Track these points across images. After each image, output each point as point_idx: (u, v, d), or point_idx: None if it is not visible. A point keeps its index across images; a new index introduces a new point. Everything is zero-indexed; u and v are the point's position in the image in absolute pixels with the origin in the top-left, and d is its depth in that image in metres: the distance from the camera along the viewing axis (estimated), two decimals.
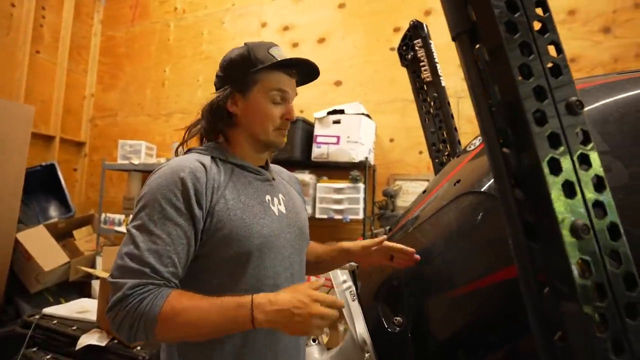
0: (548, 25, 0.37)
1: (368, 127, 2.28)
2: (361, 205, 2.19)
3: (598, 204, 0.34)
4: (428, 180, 2.42)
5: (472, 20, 0.37)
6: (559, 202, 0.33)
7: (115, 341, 1.41)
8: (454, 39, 0.39)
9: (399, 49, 1.34)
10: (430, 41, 1.26)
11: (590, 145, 0.35)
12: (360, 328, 0.86)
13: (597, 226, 0.33)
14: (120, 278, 0.65)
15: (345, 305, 0.91)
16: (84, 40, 3.55)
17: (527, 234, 0.35)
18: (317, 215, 2.24)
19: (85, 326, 1.53)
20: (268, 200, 0.80)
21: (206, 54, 3.13)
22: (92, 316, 1.58)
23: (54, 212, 3.07)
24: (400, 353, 0.77)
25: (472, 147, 0.89)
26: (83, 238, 2.80)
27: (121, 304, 0.63)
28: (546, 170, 0.33)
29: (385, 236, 0.89)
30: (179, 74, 3.23)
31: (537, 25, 0.37)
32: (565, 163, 0.34)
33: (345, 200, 2.19)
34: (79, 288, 2.64)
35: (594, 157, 0.35)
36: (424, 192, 0.97)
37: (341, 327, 1.95)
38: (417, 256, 0.82)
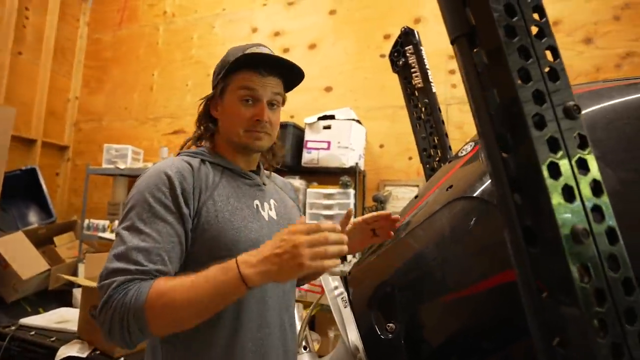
0: (545, 30, 0.37)
1: (358, 132, 2.28)
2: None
3: (596, 209, 0.34)
4: (418, 186, 2.43)
5: (471, 24, 0.37)
6: (559, 207, 0.32)
7: (97, 352, 1.36)
8: (452, 42, 0.39)
9: (391, 55, 1.35)
10: (421, 47, 1.27)
11: (588, 150, 0.35)
12: (353, 335, 0.84)
13: (595, 231, 0.33)
14: (106, 280, 0.62)
15: (337, 312, 0.90)
16: (69, 42, 3.48)
17: (526, 239, 0.34)
18: (307, 221, 2.22)
19: (65, 337, 1.47)
20: (257, 205, 0.79)
21: (196, 58, 3.10)
22: (73, 326, 1.52)
23: (33, 217, 2.97)
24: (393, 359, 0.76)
25: (464, 153, 0.90)
26: (64, 245, 2.71)
27: (107, 304, 0.60)
28: (546, 174, 0.33)
29: (359, 218, 0.85)
30: (167, 78, 3.19)
31: (534, 30, 0.37)
32: (564, 167, 0.34)
33: (336, 205, 2.18)
34: (59, 297, 2.54)
35: (592, 161, 0.35)
36: (416, 197, 0.97)
37: (331, 334, 1.93)
38: (396, 216, 0.80)
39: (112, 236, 2.54)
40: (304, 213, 2.26)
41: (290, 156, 2.27)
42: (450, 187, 0.81)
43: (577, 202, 0.33)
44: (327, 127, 2.23)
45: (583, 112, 0.67)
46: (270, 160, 0.91)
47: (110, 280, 0.62)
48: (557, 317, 0.33)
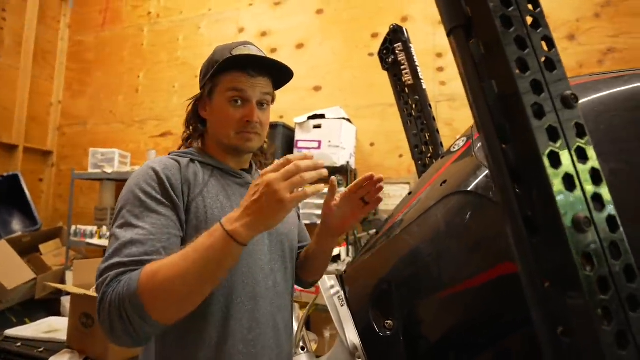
0: (540, 20, 0.37)
1: (349, 131, 2.29)
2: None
3: (596, 197, 0.34)
4: (409, 184, 2.45)
5: (467, 15, 0.37)
6: (560, 196, 0.32)
7: None
8: (449, 34, 0.39)
9: (380, 52, 1.35)
10: (411, 45, 1.27)
11: (586, 139, 0.35)
12: (350, 333, 0.84)
13: (597, 219, 0.33)
14: (99, 279, 0.61)
15: (334, 311, 0.89)
16: (50, 44, 3.39)
17: (528, 230, 0.34)
18: (300, 221, 2.21)
19: (54, 347, 1.43)
20: None
21: (182, 59, 3.06)
22: (62, 336, 1.48)
23: (17, 225, 2.88)
24: (393, 356, 0.75)
25: (456, 148, 0.90)
26: (51, 252, 2.64)
27: (103, 301, 0.58)
28: (547, 163, 0.33)
29: (345, 190, 0.82)
30: (153, 80, 3.14)
31: (529, 21, 0.37)
32: (564, 156, 0.34)
33: None
34: (47, 306, 2.47)
35: (590, 150, 0.35)
36: (410, 194, 0.97)
37: (327, 334, 1.93)
38: (379, 175, 0.78)
39: (101, 242, 2.49)
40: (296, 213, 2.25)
41: (280, 156, 2.26)
42: (444, 182, 0.82)
43: (578, 190, 0.33)
44: (318, 127, 2.23)
45: None
46: (260, 157, 0.91)
47: (104, 277, 0.60)
48: (560, 307, 0.33)
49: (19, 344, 1.46)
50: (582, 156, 0.35)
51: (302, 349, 0.98)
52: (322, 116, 2.26)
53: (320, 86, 2.67)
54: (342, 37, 2.66)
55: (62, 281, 2.48)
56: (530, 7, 0.38)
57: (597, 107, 0.68)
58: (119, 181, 2.83)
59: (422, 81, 1.27)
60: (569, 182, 0.33)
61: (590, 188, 0.34)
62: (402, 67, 1.29)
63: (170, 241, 0.66)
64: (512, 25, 0.35)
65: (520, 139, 0.34)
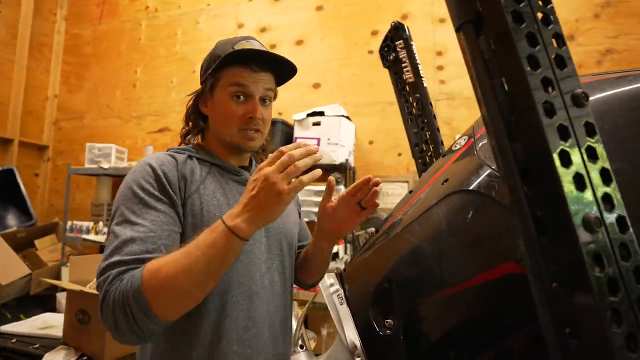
0: (551, 16, 0.36)
1: (348, 129, 2.28)
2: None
3: (606, 197, 0.34)
4: (407, 182, 2.45)
5: (477, 10, 0.36)
6: (571, 195, 0.32)
7: (85, 357, 1.31)
8: (457, 29, 0.38)
9: (381, 50, 1.34)
10: (412, 42, 1.27)
11: (596, 137, 0.35)
12: (350, 332, 0.83)
13: (606, 219, 0.33)
14: (100, 277, 0.60)
15: (333, 309, 0.89)
16: (46, 37, 3.35)
17: (537, 229, 0.34)
18: (301, 219, 2.21)
19: (50, 343, 1.41)
20: None
21: (180, 54, 3.04)
22: (58, 332, 1.46)
23: (12, 220, 2.86)
24: (393, 356, 0.75)
25: (458, 147, 0.90)
26: (46, 248, 2.62)
27: (106, 299, 0.58)
28: (558, 162, 0.32)
29: (343, 192, 0.80)
30: (151, 75, 3.11)
31: (539, 17, 0.37)
32: (575, 155, 0.33)
33: None
34: (42, 302, 2.46)
35: (600, 149, 0.35)
36: (410, 192, 0.97)
37: (324, 332, 1.93)
38: (376, 179, 0.76)
39: (97, 238, 2.47)
40: (297, 210, 2.24)
41: None
42: (446, 181, 0.81)
43: (588, 190, 0.33)
44: (317, 124, 2.22)
45: None
46: (261, 154, 0.90)
47: (105, 276, 0.59)
48: (569, 307, 0.33)
49: (13, 340, 1.45)
50: (592, 155, 0.34)
51: (301, 347, 0.98)
52: (321, 113, 2.25)
53: (320, 83, 2.66)
54: (342, 34, 2.65)
55: (58, 277, 2.46)
56: (540, 3, 0.37)
57: (601, 106, 0.68)
58: (116, 177, 2.81)
59: (423, 79, 1.26)
60: (580, 181, 0.33)
61: (600, 188, 0.33)
62: (403, 64, 1.28)
63: (170, 238, 0.65)
64: (523, 21, 0.35)
65: (530, 137, 0.34)
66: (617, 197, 0.34)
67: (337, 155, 2.17)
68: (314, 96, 2.64)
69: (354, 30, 2.62)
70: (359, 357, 0.80)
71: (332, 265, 1.99)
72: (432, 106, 1.26)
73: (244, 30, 2.85)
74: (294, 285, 0.93)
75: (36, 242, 2.61)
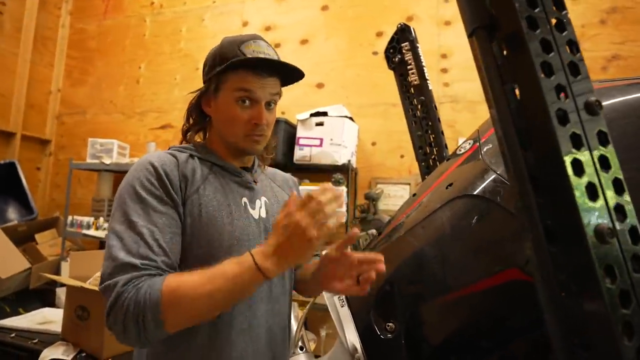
0: (565, 23, 0.36)
1: (351, 129, 2.27)
2: (344, 209, 2.17)
3: (619, 207, 0.33)
4: (409, 184, 2.44)
5: (491, 15, 0.36)
6: (583, 205, 0.31)
7: (84, 354, 1.31)
8: (470, 35, 0.37)
9: (386, 51, 1.34)
10: (418, 44, 1.26)
11: (609, 146, 0.34)
12: (351, 334, 0.83)
13: (619, 230, 0.32)
14: (111, 278, 0.60)
15: (334, 311, 0.88)
16: (50, 31, 3.35)
17: (547, 238, 0.33)
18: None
19: (49, 339, 1.41)
20: (245, 203, 0.76)
21: (185, 51, 3.03)
22: (57, 327, 1.46)
23: (13, 214, 2.86)
24: (394, 359, 0.75)
25: (462, 151, 0.89)
26: (46, 242, 2.62)
27: (117, 303, 0.58)
28: (570, 171, 0.32)
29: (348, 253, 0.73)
30: (155, 72, 3.11)
31: (553, 23, 0.36)
32: (587, 164, 0.33)
33: None
34: (41, 297, 2.45)
35: (613, 158, 0.34)
36: (414, 195, 0.97)
37: (323, 333, 1.92)
38: (382, 266, 0.71)
39: (97, 233, 2.47)
40: None
41: (281, 153, 2.24)
42: (450, 185, 0.81)
43: (601, 200, 0.32)
44: (320, 124, 2.21)
45: None
46: (264, 154, 0.89)
47: (116, 279, 0.59)
48: (578, 318, 0.32)
49: (12, 335, 1.45)
50: (605, 165, 0.34)
51: (301, 348, 0.97)
52: (324, 114, 2.24)
53: (323, 83, 2.65)
54: (347, 34, 2.64)
55: (57, 272, 2.46)
56: (555, 8, 0.37)
57: (609, 113, 0.67)
58: (118, 172, 2.81)
59: (428, 82, 1.26)
60: (592, 191, 0.32)
61: (613, 198, 0.33)
62: (409, 66, 1.27)
63: (173, 240, 0.66)
64: (537, 26, 0.34)
65: (543, 145, 0.33)
66: (629, 207, 0.33)
67: (340, 156, 2.16)
68: (318, 96, 2.63)
69: (359, 31, 2.61)
70: (359, 359, 0.79)
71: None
72: (436, 109, 1.26)
73: (248, 28, 2.85)
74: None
75: (36, 236, 2.61)
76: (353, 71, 2.60)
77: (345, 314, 0.86)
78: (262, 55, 0.72)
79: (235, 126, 0.74)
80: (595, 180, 0.33)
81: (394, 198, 2.39)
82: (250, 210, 0.76)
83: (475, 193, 0.73)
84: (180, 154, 0.75)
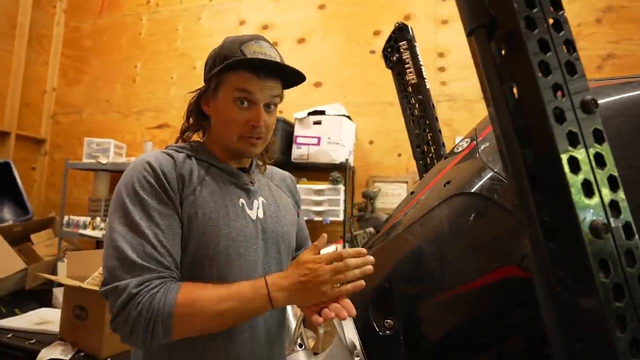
0: (562, 23, 0.37)
1: (349, 128, 2.28)
2: (341, 207, 2.18)
3: (613, 204, 0.34)
4: (406, 183, 2.45)
5: (490, 15, 0.36)
6: (579, 202, 0.32)
7: (82, 353, 1.30)
8: (469, 34, 0.38)
9: (384, 50, 1.34)
10: (415, 43, 1.27)
11: (605, 145, 0.35)
12: (349, 331, 0.83)
13: (613, 226, 0.33)
14: (120, 279, 0.60)
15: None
16: (45, 29, 3.32)
17: (545, 234, 0.34)
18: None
19: (46, 339, 1.41)
20: (242, 204, 0.76)
21: (181, 50, 3.02)
22: (54, 327, 1.46)
23: (8, 214, 2.84)
24: (392, 356, 0.75)
25: (460, 149, 0.90)
26: (42, 242, 2.60)
27: (130, 305, 0.59)
28: (567, 169, 0.32)
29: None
30: (151, 71, 3.09)
31: (551, 23, 0.37)
32: (583, 162, 0.33)
33: (326, 201, 2.17)
34: (37, 297, 2.44)
35: (608, 156, 0.35)
36: (412, 193, 0.97)
37: (321, 330, 1.93)
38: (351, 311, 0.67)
39: (94, 233, 2.46)
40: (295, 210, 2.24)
41: (279, 151, 2.24)
42: (448, 182, 0.81)
43: (596, 197, 0.33)
44: (318, 123, 2.22)
45: None
46: (264, 155, 0.89)
47: (127, 281, 0.60)
48: (574, 312, 0.33)
49: (9, 335, 1.44)
50: (600, 162, 0.35)
51: (300, 346, 0.98)
52: (322, 112, 2.25)
53: (321, 82, 2.66)
54: (344, 33, 2.65)
55: (54, 272, 2.45)
56: (552, 8, 0.37)
57: (604, 112, 0.68)
58: (114, 172, 2.80)
59: (426, 80, 1.27)
60: (588, 188, 0.33)
61: (607, 194, 0.34)
62: (406, 65, 1.28)
63: (175, 241, 0.66)
64: (535, 26, 0.35)
65: (540, 143, 0.34)
66: (624, 204, 0.34)
67: (337, 154, 2.17)
68: (315, 95, 2.64)
69: (356, 30, 2.62)
70: (358, 356, 0.80)
71: None
72: (434, 108, 1.26)
73: (245, 27, 2.84)
74: None
75: (32, 236, 2.59)
76: (350, 70, 2.61)
77: None
78: (262, 56, 0.71)
79: (231, 127, 0.73)
80: (591, 178, 0.33)
81: (391, 196, 2.40)
82: (248, 211, 0.76)
83: (472, 191, 0.73)
84: (178, 154, 0.74)
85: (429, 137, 1.26)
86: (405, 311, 0.75)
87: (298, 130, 2.26)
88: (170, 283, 0.62)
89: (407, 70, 1.27)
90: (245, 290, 0.63)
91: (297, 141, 2.25)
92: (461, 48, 2.39)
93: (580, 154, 0.34)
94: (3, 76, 2.99)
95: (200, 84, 0.80)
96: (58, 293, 2.18)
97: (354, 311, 0.68)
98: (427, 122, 1.26)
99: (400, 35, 1.28)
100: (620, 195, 0.35)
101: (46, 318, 1.61)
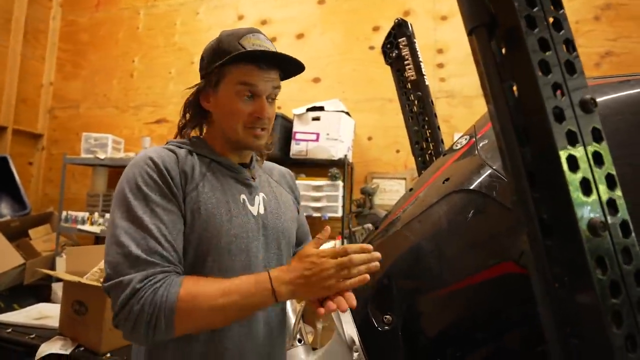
0: (562, 22, 0.37)
1: (347, 124, 2.28)
2: (340, 203, 2.19)
3: (611, 202, 0.34)
4: (405, 179, 2.46)
5: (490, 14, 0.36)
6: (577, 200, 0.33)
7: (82, 348, 1.31)
8: (470, 33, 0.38)
9: (383, 46, 1.34)
10: (415, 40, 1.27)
11: (603, 143, 0.35)
12: (348, 327, 0.84)
13: (611, 224, 0.33)
14: (124, 274, 0.60)
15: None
16: (42, 24, 3.29)
17: (543, 231, 0.34)
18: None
19: (46, 334, 1.41)
20: (244, 199, 0.76)
21: (179, 45, 3.00)
22: (53, 322, 1.46)
23: (5, 209, 2.83)
24: (391, 351, 0.76)
25: (459, 146, 0.90)
26: (40, 238, 2.60)
27: (133, 299, 0.59)
28: (565, 167, 0.33)
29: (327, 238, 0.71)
30: (149, 65, 3.07)
31: (550, 21, 0.37)
32: (582, 160, 0.34)
33: (324, 198, 2.18)
34: (36, 292, 2.44)
35: (607, 154, 0.35)
36: (411, 190, 0.98)
37: (319, 325, 1.94)
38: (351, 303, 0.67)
39: (93, 228, 2.45)
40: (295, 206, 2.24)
41: (278, 147, 2.24)
42: (447, 179, 0.82)
43: (594, 195, 0.33)
44: (316, 119, 2.21)
45: None
46: (263, 150, 0.89)
47: (131, 276, 0.60)
48: (570, 308, 0.33)
49: (9, 330, 1.45)
50: (598, 161, 0.35)
51: (299, 341, 0.99)
52: (321, 108, 2.24)
53: (320, 78, 2.65)
54: (343, 28, 2.63)
55: (52, 267, 2.45)
56: (552, 7, 0.37)
57: (603, 110, 0.69)
58: (112, 167, 2.79)
59: (425, 77, 1.26)
60: (586, 186, 0.34)
61: (605, 193, 0.34)
62: (406, 62, 1.28)
63: (178, 236, 0.66)
64: (536, 25, 0.35)
65: (539, 142, 0.34)
66: (621, 202, 0.35)
67: (336, 150, 2.17)
68: (314, 91, 2.63)
69: (355, 26, 2.61)
70: (357, 352, 0.81)
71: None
72: (433, 104, 1.27)
73: (244, 22, 2.82)
74: None
75: (30, 231, 2.59)
76: (349, 66, 2.60)
77: None
78: (261, 49, 0.71)
79: (236, 120, 0.73)
80: (589, 176, 0.34)
81: (389, 193, 2.40)
82: (249, 207, 0.76)
83: (471, 188, 0.74)
84: (179, 149, 0.74)
85: (428, 134, 1.26)
86: (403, 307, 0.75)
87: (297, 126, 2.25)
88: (173, 277, 0.62)
89: (407, 67, 1.27)
90: (249, 284, 0.62)
91: (296, 137, 2.24)
92: (460, 44, 2.39)
93: (578, 152, 0.34)
94: None
95: (199, 79, 0.80)
96: (57, 288, 2.18)
97: (354, 302, 0.68)
98: (426, 118, 1.26)
99: (400, 31, 1.28)
100: (618, 193, 0.35)
101: (45, 313, 1.61)
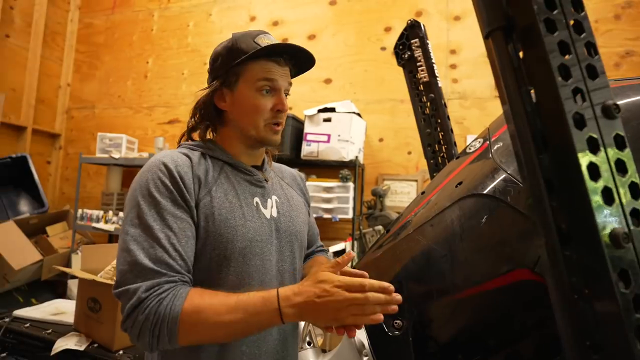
0: (584, 24, 0.36)
1: (359, 126, 2.27)
2: (350, 205, 2.18)
3: (635, 212, 0.33)
4: (416, 181, 2.43)
5: (508, 17, 0.35)
6: (598, 209, 0.31)
7: (96, 345, 1.34)
8: (486, 36, 0.37)
9: (396, 48, 1.33)
10: (428, 41, 1.25)
11: (627, 150, 0.34)
12: (358, 331, 0.83)
13: (635, 235, 0.32)
14: (131, 283, 0.61)
15: None
16: (60, 26, 3.37)
17: (561, 241, 0.33)
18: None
19: (61, 329, 1.45)
20: (257, 202, 0.76)
21: (192, 46, 3.04)
22: (69, 318, 1.50)
23: (25, 207, 2.91)
24: (401, 356, 0.75)
25: (472, 150, 0.89)
26: (57, 235, 2.67)
27: (138, 308, 0.60)
28: (586, 176, 0.32)
29: (347, 257, 0.68)
30: (162, 66, 3.12)
31: (571, 24, 0.36)
32: (604, 168, 0.33)
33: (335, 199, 2.17)
34: (52, 288, 2.51)
35: (630, 162, 0.34)
36: (423, 193, 0.97)
37: None
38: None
39: (107, 227, 2.50)
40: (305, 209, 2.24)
41: (289, 148, 2.25)
42: (460, 183, 0.80)
43: (617, 205, 0.32)
44: (328, 120, 2.21)
45: None
46: (274, 151, 0.89)
47: (137, 285, 0.60)
48: (592, 322, 0.32)
49: (27, 325, 1.48)
50: (621, 169, 0.34)
51: (309, 343, 0.98)
52: (332, 109, 2.24)
53: (331, 79, 2.64)
54: (355, 29, 2.62)
55: (68, 264, 2.51)
56: (573, 10, 0.36)
57: (623, 114, 0.67)
58: (126, 167, 2.84)
59: (438, 79, 1.25)
60: (608, 195, 0.32)
61: (629, 202, 0.33)
62: (418, 63, 1.26)
63: (188, 244, 0.66)
64: (555, 29, 0.34)
65: (559, 149, 0.33)
66: None
67: (347, 152, 2.16)
68: (325, 91, 2.63)
69: (367, 26, 2.59)
70: (366, 356, 0.80)
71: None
72: (446, 106, 1.25)
73: (256, 23, 2.84)
74: None
75: (47, 228, 2.66)
76: (361, 67, 2.59)
77: None
78: (277, 45, 0.74)
79: (259, 115, 0.74)
80: (612, 185, 0.33)
81: (400, 194, 2.38)
82: (262, 210, 0.76)
83: (485, 192, 0.72)
84: (193, 152, 0.74)
85: (440, 137, 1.25)
86: (414, 312, 0.74)
87: (308, 128, 2.25)
88: (180, 288, 0.62)
89: (419, 68, 1.26)
90: (255, 302, 0.61)
91: (307, 138, 2.25)
92: (474, 45, 2.35)
93: (600, 160, 0.33)
94: (19, 72, 3.05)
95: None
96: (72, 285, 2.24)
97: (361, 326, 0.66)
98: (439, 121, 1.25)
99: (413, 32, 1.26)
100: None
101: (61, 309, 1.65)
